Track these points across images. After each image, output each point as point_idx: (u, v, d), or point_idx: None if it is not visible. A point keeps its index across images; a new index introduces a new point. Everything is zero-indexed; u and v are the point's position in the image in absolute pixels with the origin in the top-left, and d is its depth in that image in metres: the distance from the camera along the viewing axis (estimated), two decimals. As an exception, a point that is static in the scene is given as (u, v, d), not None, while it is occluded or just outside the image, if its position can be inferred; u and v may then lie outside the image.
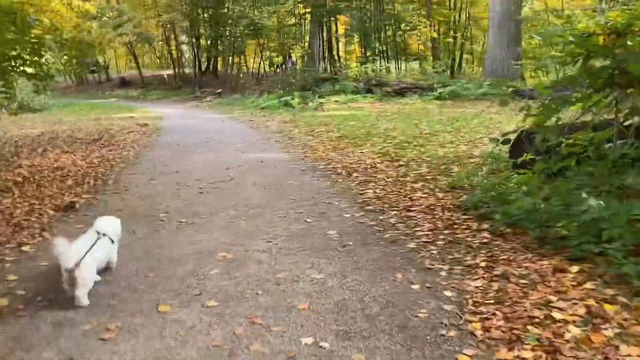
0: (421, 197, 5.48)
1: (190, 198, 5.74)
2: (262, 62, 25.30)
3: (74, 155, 8.67)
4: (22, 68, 9.37)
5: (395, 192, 5.71)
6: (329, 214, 4.98)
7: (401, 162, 7.44)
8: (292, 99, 18.22)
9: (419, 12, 24.11)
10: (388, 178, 6.47)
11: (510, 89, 16.09)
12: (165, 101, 24.99)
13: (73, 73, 35.60)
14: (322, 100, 18.25)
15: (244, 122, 13.96)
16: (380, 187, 6.01)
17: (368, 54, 29.36)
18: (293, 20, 22.36)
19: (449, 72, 22.04)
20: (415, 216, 4.81)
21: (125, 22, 23.37)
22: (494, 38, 19.79)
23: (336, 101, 18.21)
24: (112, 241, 3.61)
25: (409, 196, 5.53)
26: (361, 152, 8.37)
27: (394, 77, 20.94)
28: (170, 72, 31.27)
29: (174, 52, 29.68)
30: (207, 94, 25.08)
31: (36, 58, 8.65)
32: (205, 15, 25.06)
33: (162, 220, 4.90)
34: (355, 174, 6.77)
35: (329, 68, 24.63)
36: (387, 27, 24.69)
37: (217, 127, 12.94)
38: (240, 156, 8.46)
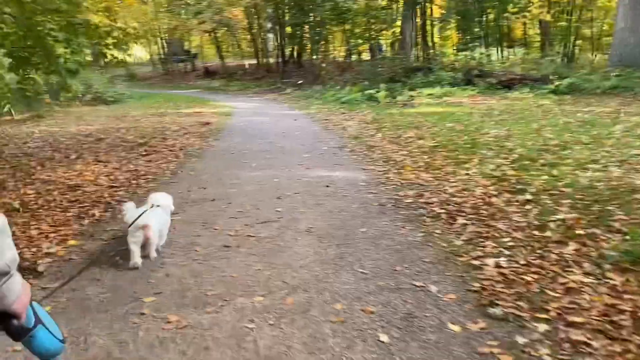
0: (582, 283, 3.14)
1: (206, 259, 3.79)
2: (347, 50, 23.18)
3: (105, 166, 7.14)
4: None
5: (533, 267, 3.40)
6: (418, 319, 2.81)
7: (527, 196, 5.03)
8: (378, 91, 15.99)
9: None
10: (514, 230, 4.14)
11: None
12: (244, 93, 23.71)
13: (160, 62, 35.74)
14: (412, 93, 15.87)
15: (319, 121, 11.95)
16: (506, 251, 3.71)
17: (467, 39, 26.30)
18: (384, 2, 19.89)
19: (565, 60, 18.57)
20: (587, 342, 2.50)
21: (205, 9, 22.22)
22: (624, 20, 16.08)
23: (429, 95, 15.71)
24: (166, 214, 4.00)
25: (559, 280, 3.20)
26: (466, 174, 6.02)
27: (498, 67, 17.91)
28: (254, 61, 30.13)
29: (257, 40, 28.40)
30: (288, 85, 23.48)
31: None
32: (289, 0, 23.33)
33: (135, 323, 2.97)
34: (460, 218, 4.50)
35: (421, 56, 22.06)
36: (489, 9, 21.47)
37: (287, 127, 11.06)
38: (302, 175, 6.44)
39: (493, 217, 4.53)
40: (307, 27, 22.81)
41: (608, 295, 2.97)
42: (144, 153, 8.01)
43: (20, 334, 1.29)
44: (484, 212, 4.68)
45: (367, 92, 16.02)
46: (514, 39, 25.90)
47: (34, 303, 1.35)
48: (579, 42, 24.48)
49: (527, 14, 19.34)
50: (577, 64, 20.01)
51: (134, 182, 6.24)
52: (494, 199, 5.09)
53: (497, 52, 22.78)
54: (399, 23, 19.68)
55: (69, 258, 3.91)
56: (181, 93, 24.07)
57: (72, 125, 12.25)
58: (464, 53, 17.70)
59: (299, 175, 6.40)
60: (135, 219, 3.60)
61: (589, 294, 3.01)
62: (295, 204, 5.16)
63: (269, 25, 26.67)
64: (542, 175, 5.80)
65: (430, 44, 24.93)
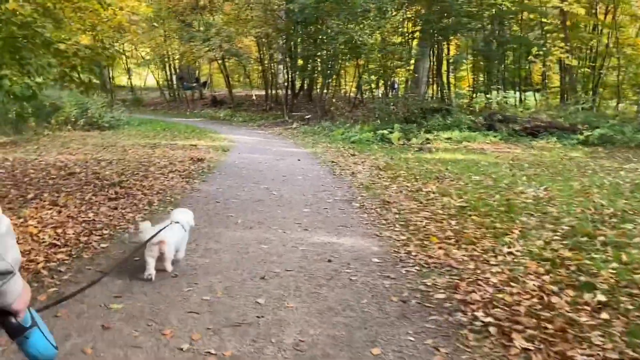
0: None
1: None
2: (359, 86, 22.13)
3: (60, 212, 5.80)
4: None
5: None
6: None
7: (599, 296, 3.66)
8: (391, 132, 14.77)
9: (554, 34, 19.60)
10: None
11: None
12: (249, 125, 22.59)
13: (168, 88, 34.94)
14: (429, 136, 14.62)
15: (325, 164, 10.65)
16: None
17: (481, 80, 25.19)
18: (399, 39, 18.89)
19: (593, 108, 17.32)
20: None
21: (213, 37, 21.30)
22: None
23: (447, 139, 14.46)
24: (184, 230, 4.24)
25: None
26: (510, 253, 4.65)
27: (520, 112, 16.67)
28: (262, 92, 29.17)
29: (267, 71, 27.48)
30: (295, 118, 22.35)
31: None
32: (301, 31, 22.41)
33: None
34: (517, 336, 3.10)
35: (437, 96, 20.94)
36: (510, 52, 20.41)
37: (288, 169, 9.77)
38: (299, 240, 5.08)
39: (563, 335, 3.13)
40: (318, 60, 21.81)
41: None
42: (113, 196, 6.69)
43: (17, 331, 1.35)
44: (548, 324, 3.27)
45: (379, 132, 14.79)
46: (531, 83, 24.80)
47: (31, 309, 1.41)
48: (600, 89, 23.32)
49: (552, 57, 18.19)
50: (601, 112, 18.74)
51: (83, 239, 4.89)
52: (554, 299, 3.69)
53: (518, 95, 21.62)
54: (413, 60, 18.60)
55: None
56: (184, 121, 22.98)
57: (53, 154, 11.02)
58: (488, 96, 16.48)
59: (295, 241, 5.02)
60: (153, 235, 3.84)
61: None
62: (285, 290, 3.77)
63: (280, 56, 25.76)
64: (609, 260, 4.43)
65: (445, 84, 23.90)
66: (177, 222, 4.16)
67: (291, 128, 19.73)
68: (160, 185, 7.55)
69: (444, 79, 23.91)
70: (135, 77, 41.75)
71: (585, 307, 3.57)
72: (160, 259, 3.93)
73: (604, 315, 3.42)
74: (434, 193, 7.33)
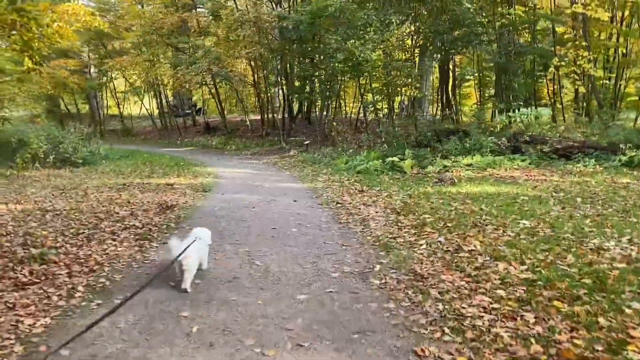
0: None
1: None
2: (361, 107, 20.22)
3: None
4: None
5: None
6: None
7: None
8: (402, 159, 12.74)
9: (576, 43, 17.68)
10: None
11: None
12: (242, 153, 20.62)
13: (159, 116, 33.16)
14: (446, 162, 12.57)
15: (328, 205, 8.58)
16: None
17: (487, 96, 23.25)
18: (403, 55, 16.98)
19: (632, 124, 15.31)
20: None
21: (200, 58, 19.45)
22: None
23: (468, 165, 12.43)
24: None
25: None
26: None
27: (550, 131, 14.65)
28: (258, 117, 27.31)
29: (262, 94, 25.63)
30: (293, 145, 20.40)
31: None
32: (297, 50, 20.59)
33: None
34: None
35: (442, 115, 19.00)
36: (526, 64, 18.49)
37: (281, 216, 7.70)
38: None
39: None
40: (316, 80, 19.93)
41: None
42: (26, 279, 4.63)
43: None
44: None
45: (388, 159, 12.75)
46: (539, 98, 22.84)
47: None
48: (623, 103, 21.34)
49: (574, 68, 16.25)
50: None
51: None
52: None
53: (531, 112, 19.58)
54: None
55: None
56: (171, 152, 21.06)
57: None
58: (507, 113, 14.45)
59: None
60: (181, 252, 4.35)
61: None
62: None
63: (275, 78, 23.96)
64: None
65: (452, 101, 21.99)
66: (200, 239, 4.74)
67: (288, 156, 17.75)
68: (101, 255, 5.48)
69: (451, 96, 22.03)
70: (131, 106, 40.11)
71: None
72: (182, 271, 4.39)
73: None
74: (480, 254, 5.25)
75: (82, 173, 13.94)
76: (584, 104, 19.73)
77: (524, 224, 6.58)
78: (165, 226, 6.94)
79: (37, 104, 38.29)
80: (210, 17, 24.12)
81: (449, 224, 6.68)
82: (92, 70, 34.27)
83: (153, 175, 12.82)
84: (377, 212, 7.75)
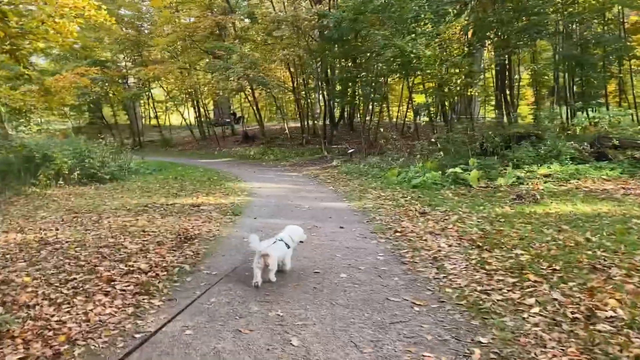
0: None
1: None
2: (409, 111, 18.35)
3: None
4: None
5: None
6: None
7: None
8: (466, 170, 10.85)
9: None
10: None
11: None
12: (281, 164, 19.11)
13: (198, 126, 32.23)
14: (519, 173, 10.62)
15: (383, 233, 6.84)
16: None
17: (543, 95, 20.81)
18: (459, 50, 14.98)
19: None
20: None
21: (236, 63, 18.07)
22: None
23: (547, 176, 10.41)
24: (288, 246, 4.96)
25: None
26: None
27: (633, 133, 12.39)
28: (297, 124, 25.86)
29: (301, 100, 24.14)
30: (335, 154, 18.75)
31: None
32: (338, 51, 18.95)
33: None
34: None
35: (498, 117, 16.84)
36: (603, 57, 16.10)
37: (325, 250, 6.02)
38: None
39: None
40: (360, 82, 18.20)
41: None
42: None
43: None
44: None
45: (449, 170, 10.88)
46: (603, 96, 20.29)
47: None
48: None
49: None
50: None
51: None
52: None
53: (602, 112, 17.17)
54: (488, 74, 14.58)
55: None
56: (207, 164, 19.80)
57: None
58: (594, 116, 12.29)
59: None
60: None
61: None
62: None
63: (315, 82, 22.41)
64: None
65: (509, 101, 19.72)
66: (281, 240, 4.92)
67: (331, 167, 16.10)
68: (80, 324, 3.96)
69: (508, 95, 19.78)
70: (171, 116, 39.58)
71: None
72: (265, 270, 4.68)
73: None
74: (628, 325, 3.42)
75: (107, 190, 12.72)
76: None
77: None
78: (177, 269, 5.38)
79: (79, 115, 38.59)
80: (247, 20, 22.92)
81: (556, 266, 4.84)
82: (130, 80, 33.82)
83: (181, 192, 11.41)
84: (450, 245, 5.96)
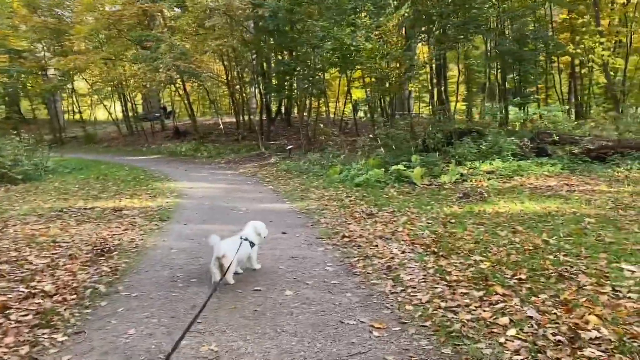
0: None
1: None
2: (355, 105, 17.92)
3: None
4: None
5: None
6: None
7: None
8: (409, 167, 10.51)
9: (591, 28, 15.71)
10: None
11: None
12: (215, 161, 18.13)
13: (124, 120, 30.33)
14: (461, 169, 10.41)
15: (329, 239, 6.25)
16: None
17: (473, 92, 21.21)
18: (399, 42, 14.64)
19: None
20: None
21: (163, 54, 16.84)
22: None
23: (489, 173, 10.26)
24: (252, 244, 4.73)
25: None
26: None
27: (572, 129, 12.58)
28: (232, 119, 24.84)
29: (236, 94, 23.14)
30: (273, 150, 18.01)
31: None
32: (274, 42, 18.18)
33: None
34: None
35: (435, 113, 16.80)
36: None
37: (266, 261, 5.33)
38: None
39: None
40: (297, 75, 17.52)
41: None
42: None
43: None
44: None
45: (392, 167, 10.49)
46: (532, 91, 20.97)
47: None
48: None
49: (593, 57, 14.28)
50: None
51: None
52: None
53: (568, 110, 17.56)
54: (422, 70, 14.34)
55: None
56: (133, 161, 18.46)
57: None
58: (539, 112, 12.33)
59: None
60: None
61: None
62: None
63: (250, 75, 21.50)
64: None
65: (444, 97, 19.81)
66: (246, 239, 4.65)
67: (269, 164, 15.37)
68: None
69: (443, 92, 19.85)
70: (96, 111, 37.09)
71: None
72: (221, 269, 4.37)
73: None
74: (611, 344, 3.02)
75: (18, 193, 11.30)
76: (608, 97, 17.88)
77: (628, 269, 4.41)
78: (89, 291, 4.51)
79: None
80: (178, 9, 21.60)
81: (521, 274, 4.43)
82: (50, 72, 31.22)
83: (102, 194, 10.29)
84: (403, 251, 5.45)
